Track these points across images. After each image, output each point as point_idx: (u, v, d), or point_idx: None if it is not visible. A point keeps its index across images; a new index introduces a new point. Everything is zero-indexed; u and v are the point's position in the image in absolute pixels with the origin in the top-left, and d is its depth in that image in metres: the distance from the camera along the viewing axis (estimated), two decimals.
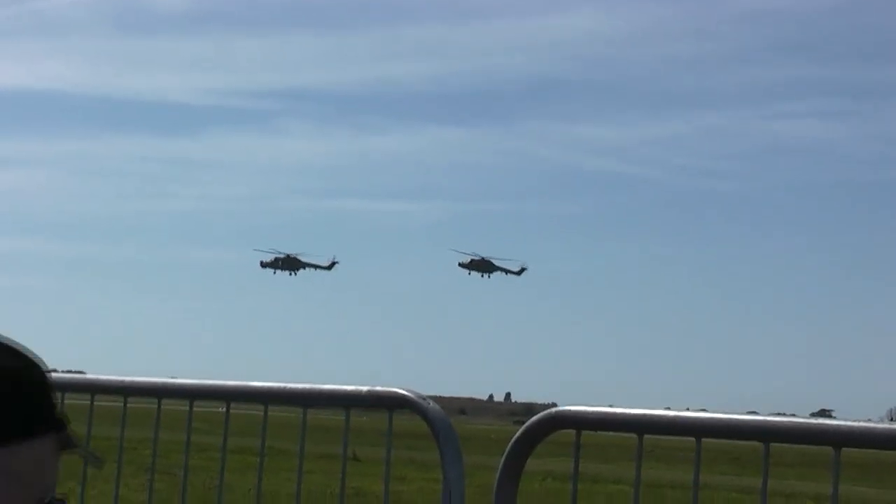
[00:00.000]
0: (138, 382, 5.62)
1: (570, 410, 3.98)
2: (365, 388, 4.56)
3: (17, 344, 2.00)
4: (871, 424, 2.97)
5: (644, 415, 3.24)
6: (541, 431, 4.04)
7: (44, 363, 2.01)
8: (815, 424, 2.97)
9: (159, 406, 5.58)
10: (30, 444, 1.93)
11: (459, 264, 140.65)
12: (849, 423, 3.16)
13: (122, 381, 5.64)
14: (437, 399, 4.56)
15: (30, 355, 2.00)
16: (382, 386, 4.57)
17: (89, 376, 5.90)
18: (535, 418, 4.09)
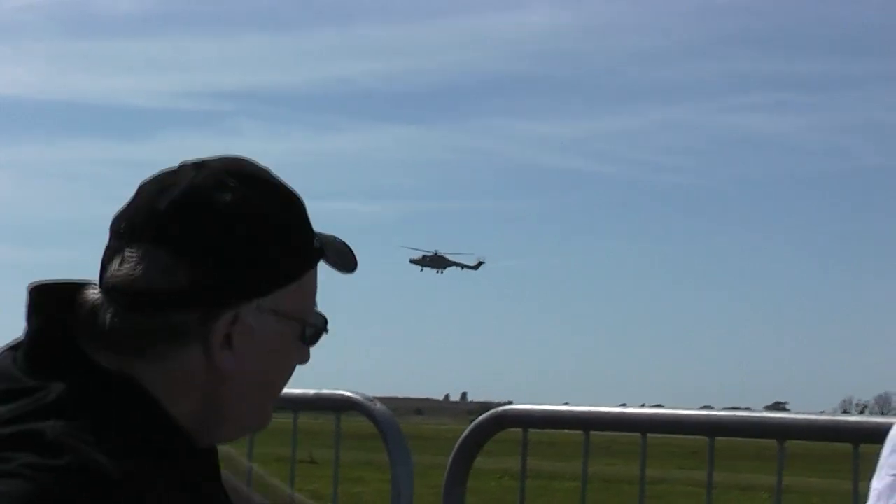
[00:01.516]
0: None
1: (515, 409, 3.98)
2: (312, 391, 4.55)
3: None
4: (814, 416, 2.99)
5: (589, 412, 3.24)
6: (487, 431, 4.04)
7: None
8: (758, 417, 2.99)
9: None
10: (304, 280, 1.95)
11: (411, 260, 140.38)
12: (792, 416, 3.18)
13: None
14: (392, 400, 4.58)
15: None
16: (332, 388, 4.56)
17: None
18: (480, 418, 4.09)
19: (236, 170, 1.94)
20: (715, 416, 3.17)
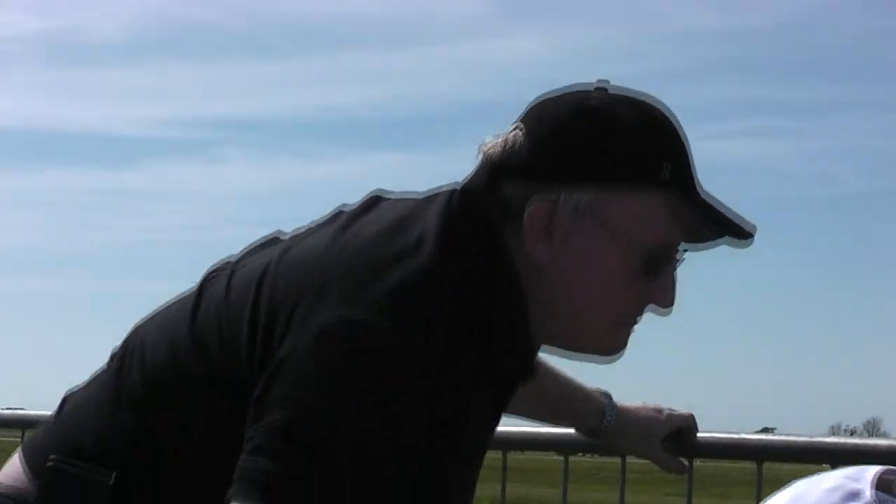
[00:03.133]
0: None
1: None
2: None
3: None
4: (792, 438, 2.97)
5: (568, 434, 3.21)
6: None
7: None
8: (735, 439, 2.97)
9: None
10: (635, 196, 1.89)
11: None
12: (769, 438, 3.16)
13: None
14: None
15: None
16: None
17: (27, 412, 5.77)
18: None
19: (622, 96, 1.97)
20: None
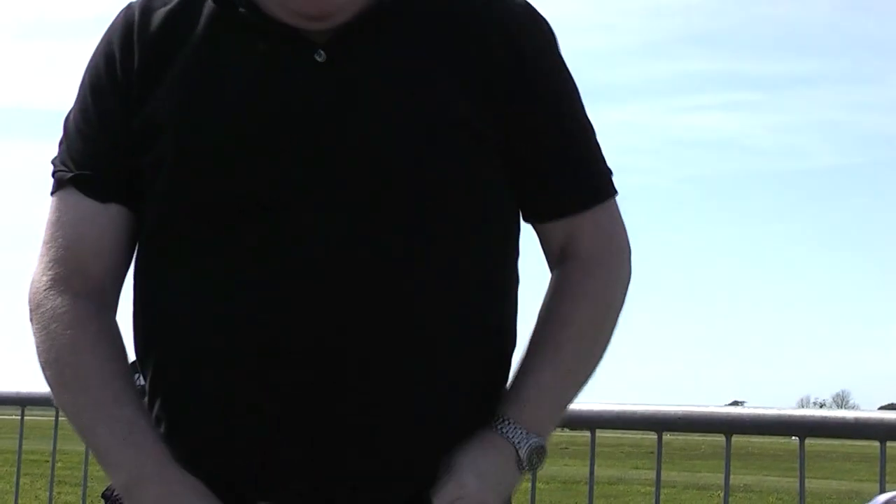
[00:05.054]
0: (35, 394, 5.53)
1: None
2: None
3: None
4: (760, 411, 2.99)
5: None
6: None
7: None
8: (705, 413, 2.98)
9: (56, 417, 5.49)
10: None
11: None
12: (738, 411, 3.18)
13: (20, 393, 5.55)
14: None
15: None
16: None
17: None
18: None
19: None
20: (662, 411, 3.16)
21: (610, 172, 2.03)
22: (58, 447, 5.28)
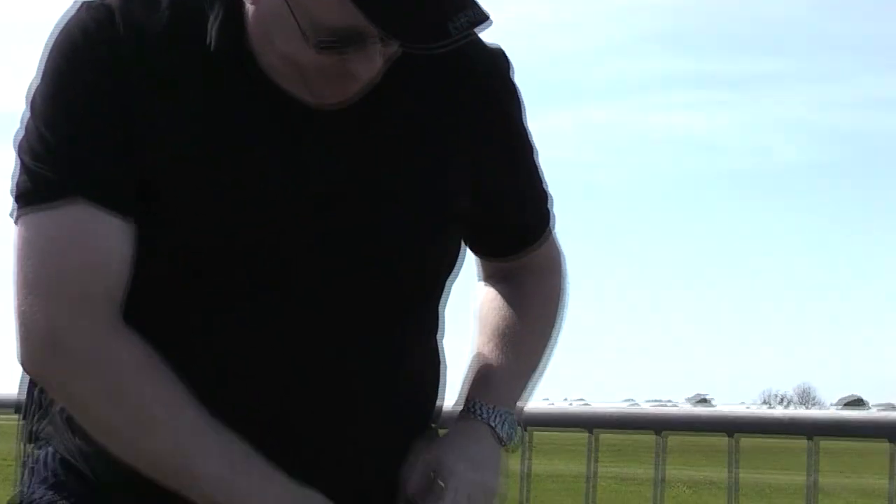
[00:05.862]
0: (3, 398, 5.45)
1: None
2: None
3: None
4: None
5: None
6: None
7: None
8: (636, 413, 2.99)
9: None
10: None
11: None
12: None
13: None
14: None
15: None
16: None
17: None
18: None
19: None
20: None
21: (551, 197, 2.10)
22: None
